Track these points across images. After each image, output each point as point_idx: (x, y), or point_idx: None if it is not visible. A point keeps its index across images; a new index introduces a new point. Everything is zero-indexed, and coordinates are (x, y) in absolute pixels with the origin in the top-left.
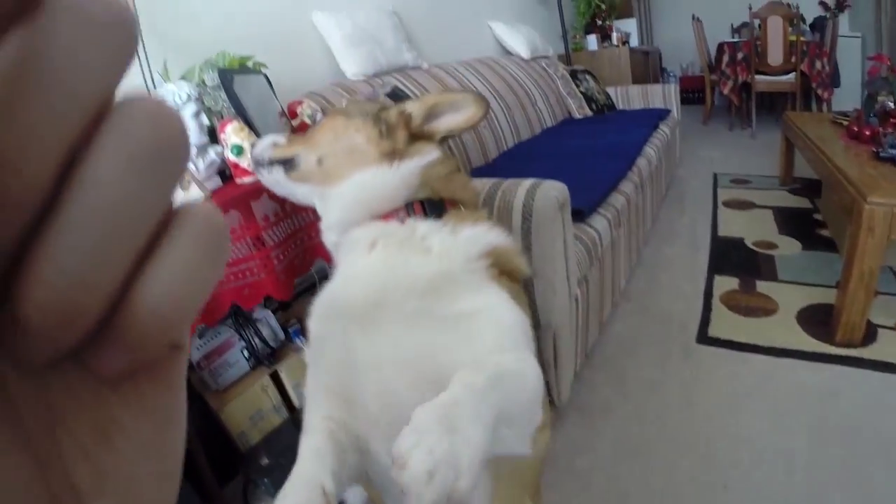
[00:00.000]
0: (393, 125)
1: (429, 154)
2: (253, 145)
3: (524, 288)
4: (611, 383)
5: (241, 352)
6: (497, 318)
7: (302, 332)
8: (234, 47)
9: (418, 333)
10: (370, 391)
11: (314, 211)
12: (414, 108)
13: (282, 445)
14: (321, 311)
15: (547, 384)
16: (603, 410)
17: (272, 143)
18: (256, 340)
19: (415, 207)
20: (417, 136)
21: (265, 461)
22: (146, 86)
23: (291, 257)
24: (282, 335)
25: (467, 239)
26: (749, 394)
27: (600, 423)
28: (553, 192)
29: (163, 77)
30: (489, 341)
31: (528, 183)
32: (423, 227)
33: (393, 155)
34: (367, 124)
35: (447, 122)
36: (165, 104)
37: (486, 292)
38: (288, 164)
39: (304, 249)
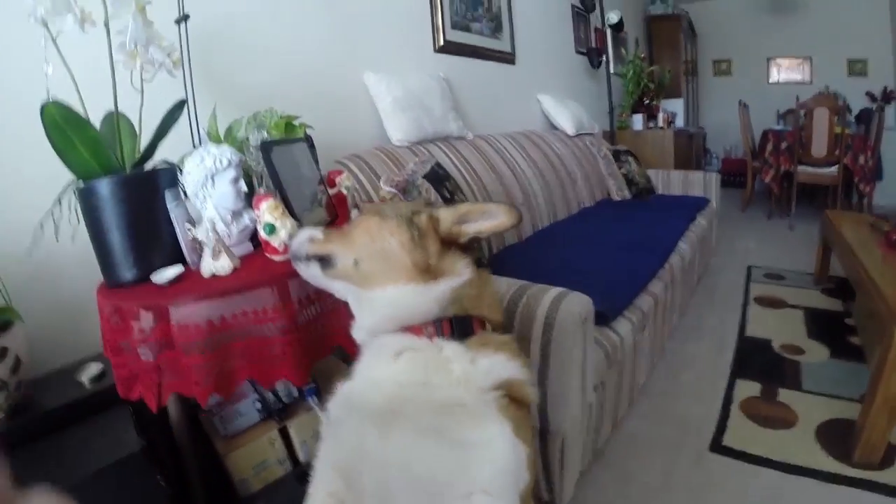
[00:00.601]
0: (424, 230)
1: (462, 274)
2: (291, 236)
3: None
4: (616, 484)
5: (254, 403)
6: (494, 457)
7: (316, 392)
8: (284, 103)
9: (426, 448)
10: (370, 483)
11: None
12: (445, 213)
13: (281, 498)
14: (342, 400)
15: (550, 485)
16: None
17: (309, 237)
18: (270, 395)
19: (444, 325)
20: (447, 241)
21: None
22: (192, 142)
23: (311, 340)
24: (295, 392)
25: (485, 370)
26: None
27: None
28: (576, 307)
29: (209, 133)
30: (481, 479)
31: (552, 293)
32: (448, 349)
33: (427, 272)
34: (400, 228)
35: (476, 227)
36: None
37: (492, 424)
38: (325, 261)
39: (324, 335)
